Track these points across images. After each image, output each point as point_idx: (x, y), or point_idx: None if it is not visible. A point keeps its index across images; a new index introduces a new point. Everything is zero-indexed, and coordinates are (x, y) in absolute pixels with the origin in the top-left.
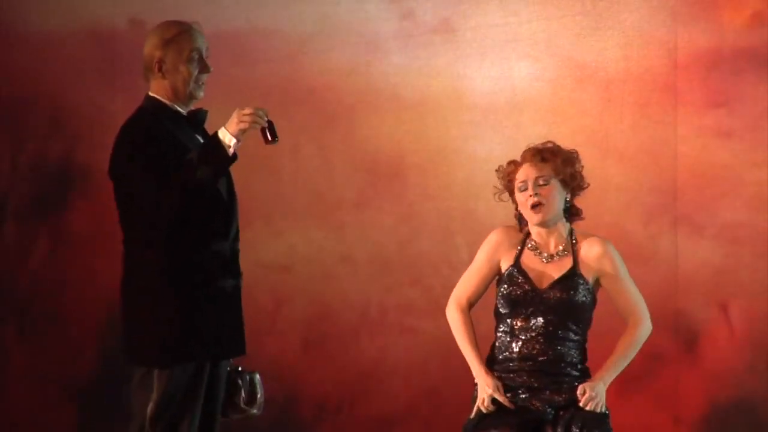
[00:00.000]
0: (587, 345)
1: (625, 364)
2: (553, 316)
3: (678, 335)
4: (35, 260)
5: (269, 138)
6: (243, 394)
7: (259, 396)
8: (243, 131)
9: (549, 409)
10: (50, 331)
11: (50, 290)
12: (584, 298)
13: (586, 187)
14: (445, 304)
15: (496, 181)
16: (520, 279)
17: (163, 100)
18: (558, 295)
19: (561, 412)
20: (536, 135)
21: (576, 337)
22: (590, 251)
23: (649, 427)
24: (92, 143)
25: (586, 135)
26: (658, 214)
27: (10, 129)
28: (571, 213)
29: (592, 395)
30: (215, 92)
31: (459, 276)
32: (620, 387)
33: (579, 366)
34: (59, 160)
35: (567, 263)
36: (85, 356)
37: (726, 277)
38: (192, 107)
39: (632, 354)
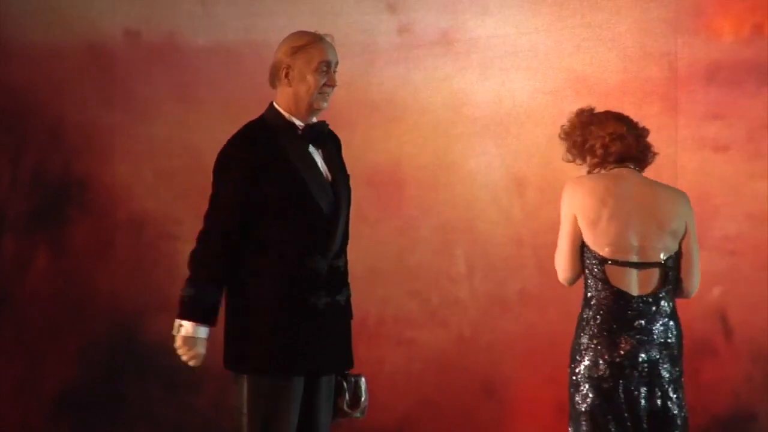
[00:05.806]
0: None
1: None
2: None
3: None
4: (34, 273)
5: None
6: (347, 398)
7: (363, 399)
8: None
9: None
10: (48, 345)
11: (48, 303)
12: None
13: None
14: (443, 316)
15: (494, 194)
16: None
17: (282, 111)
18: None
19: None
20: (536, 147)
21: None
22: None
23: None
24: (91, 156)
25: None
26: None
27: (8, 142)
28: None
29: None
30: (212, 104)
31: (457, 288)
32: None
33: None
34: (58, 173)
35: None
36: (82, 370)
37: (725, 288)
38: (315, 119)
39: None
